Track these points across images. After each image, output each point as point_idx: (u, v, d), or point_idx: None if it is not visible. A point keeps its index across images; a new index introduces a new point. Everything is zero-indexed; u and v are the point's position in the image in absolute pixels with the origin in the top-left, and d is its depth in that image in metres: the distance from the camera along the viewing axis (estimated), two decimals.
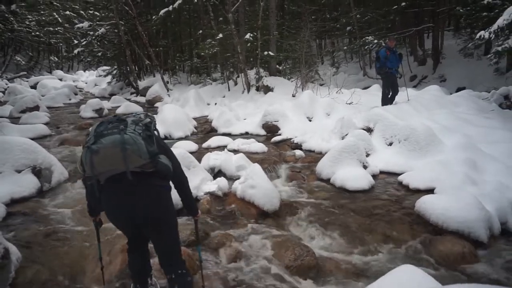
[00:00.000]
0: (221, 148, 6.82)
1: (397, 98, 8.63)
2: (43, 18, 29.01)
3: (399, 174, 5.42)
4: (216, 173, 5.45)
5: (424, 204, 4.04)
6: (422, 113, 7.64)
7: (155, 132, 2.14)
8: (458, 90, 11.78)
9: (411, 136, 6.00)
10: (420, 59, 17.18)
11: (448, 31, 18.77)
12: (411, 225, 3.96)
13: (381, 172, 5.67)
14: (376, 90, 11.34)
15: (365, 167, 5.57)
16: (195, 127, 9.33)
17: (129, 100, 16.29)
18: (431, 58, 16.28)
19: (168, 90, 16.06)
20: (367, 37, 15.64)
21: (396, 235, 3.76)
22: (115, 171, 1.97)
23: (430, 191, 4.66)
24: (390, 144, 6.41)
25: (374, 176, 5.40)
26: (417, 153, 5.80)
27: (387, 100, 8.50)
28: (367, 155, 5.99)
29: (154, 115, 3.04)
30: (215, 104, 12.54)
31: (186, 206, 2.45)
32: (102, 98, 16.75)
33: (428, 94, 8.92)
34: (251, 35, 13.03)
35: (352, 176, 5.15)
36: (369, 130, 6.87)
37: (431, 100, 8.37)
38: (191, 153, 5.57)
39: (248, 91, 13.31)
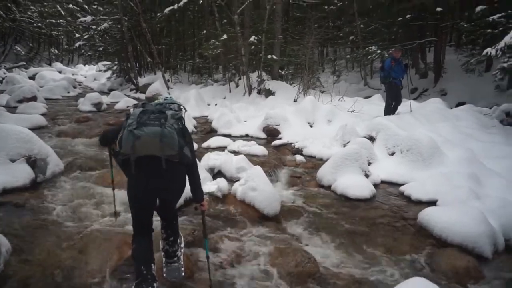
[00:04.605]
0: (221, 149, 6.71)
1: (399, 108, 8.60)
2: (46, 9, 28.83)
3: (400, 185, 5.37)
4: (216, 173, 5.34)
5: (427, 216, 3.97)
6: (425, 124, 7.60)
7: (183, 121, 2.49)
8: (459, 104, 11.77)
9: (414, 147, 5.94)
10: (421, 72, 17.22)
11: (449, 46, 18.87)
12: (413, 236, 3.88)
13: (383, 182, 5.62)
14: (378, 100, 11.32)
15: (367, 175, 5.50)
16: (195, 127, 9.22)
17: (128, 96, 16.13)
18: (433, 72, 16.33)
19: (168, 88, 15.94)
20: (370, 47, 15.67)
21: (398, 245, 3.68)
22: (148, 154, 2.30)
23: (432, 203, 4.60)
24: (392, 154, 6.35)
25: (375, 185, 5.34)
26: (419, 164, 5.74)
27: (389, 110, 8.46)
28: (369, 163, 5.92)
29: None
30: (216, 105, 12.45)
31: (193, 189, 2.66)
32: (101, 92, 16.49)
33: (431, 106, 8.88)
34: (256, 38, 12.97)
35: (353, 184, 5.07)
36: (371, 139, 6.81)
37: (434, 112, 8.34)
38: None
39: (250, 93, 13.23)
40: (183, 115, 2.50)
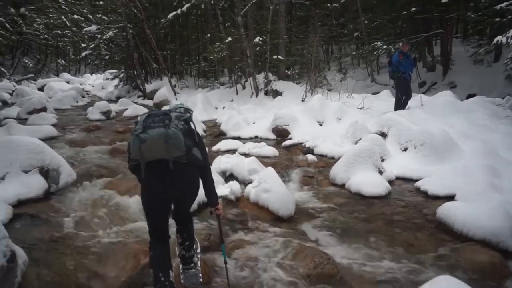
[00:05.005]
0: (231, 151, 6.67)
1: (410, 103, 8.47)
2: (51, 21, 29.15)
3: (415, 180, 5.27)
4: (228, 176, 5.30)
5: (447, 211, 3.87)
6: (436, 118, 7.46)
7: (192, 124, 2.47)
8: (469, 96, 11.56)
9: (428, 141, 5.84)
10: (429, 65, 16.99)
11: (456, 38, 18.59)
12: (433, 232, 3.79)
13: (397, 178, 5.52)
14: (386, 96, 11.19)
15: (380, 172, 5.40)
16: (204, 131, 9.21)
17: (136, 103, 16.21)
18: (441, 65, 16.10)
19: (175, 94, 15.99)
20: (376, 43, 15.51)
21: (418, 242, 3.59)
22: (156, 157, 2.28)
23: (450, 198, 4.49)
24: (405, 149, 6.25)
25: (390, 182, 5.24)
26: (434, 158, 5.63)
27: (400, 104, 8.35)
28: (382, 160, 5.82)
29: None
30: (223, 108, 12.44)
31: (207, 192, 2.64)
32: (109, 101, 16.61)
33: (441, 99, 8.72)
34: (260, 38, 12.94)
35: (368, 181, 4.99)
36: (383, 135, 6.72)
37: (445, 105, 8.18)
38: None
39: (257, 95, 13.20)
40: (190, 117, 2.48)
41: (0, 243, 2.60)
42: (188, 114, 2.49)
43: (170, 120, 2.31)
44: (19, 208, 4.14)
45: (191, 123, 2.48)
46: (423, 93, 13.80)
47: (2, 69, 23.80)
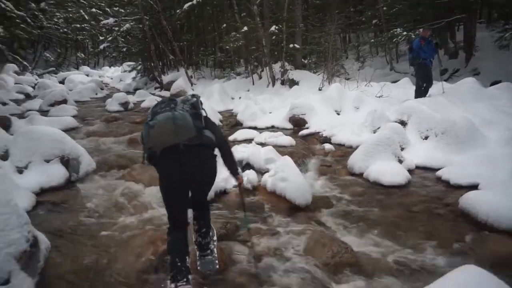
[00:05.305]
0: (247, 141, 6.67)
1: (431, 90, 8.22)
2: (71, 15, 29.67)
3: (437, 169, 5.11)
4: (244, 165, 5.29)
5: (470, 200, 3.74)
6: (459, 106, 7.21)
7: (202, 110, 2.51)
8: (493, 83, 11.12)
9: (450, 129, 5.65)
10: (451, 52, 16.42)
11: (479, 23, 17.86)
12: (455, 222, 3.67)
13: (417, 167, 5.38)
14: (406, 84, 10.90)
15: (400, 161, 5.28)
16: (220, 121, 9.23)
17: (153, 94, 16.39)
18: (463, 51, 15.53)
19: (192, 85, 16.05)
20: (395, 30, 15.07)
21: (440, 232, 3.49)
22: (168, 143, 2.32)
23: (474, 187, 4.33)
24: (426, 138, 6.08)
25: (410, 171, 5.12)
26: (456, 147, 5.45)
27: (421, 92, 8.10)
28: (402, 149, 5.68)
29: None
30: (240, 98, 12.40)
31: (228, 167, 2.74)
32: (127, 92, 16.80)
33: (465, 86, 8.39)
34: (276, 27, 12.78)
35: (387, 170, 4.88)
36: (402, 123, 6.55)
37: (468, 92, 7.87)
38: None
39: (273, 85, 13.10)
40: (197, 101, 2.52)
41: (23, 228, 2.67)
42: (195, 99, 2.52)
43: (176, 104, 2.39)
44: (41, 196, 4.27)
45: (202, 109, 2.51)
46: (445, 80, 13.40)
47: (25, 63, 24.39)
